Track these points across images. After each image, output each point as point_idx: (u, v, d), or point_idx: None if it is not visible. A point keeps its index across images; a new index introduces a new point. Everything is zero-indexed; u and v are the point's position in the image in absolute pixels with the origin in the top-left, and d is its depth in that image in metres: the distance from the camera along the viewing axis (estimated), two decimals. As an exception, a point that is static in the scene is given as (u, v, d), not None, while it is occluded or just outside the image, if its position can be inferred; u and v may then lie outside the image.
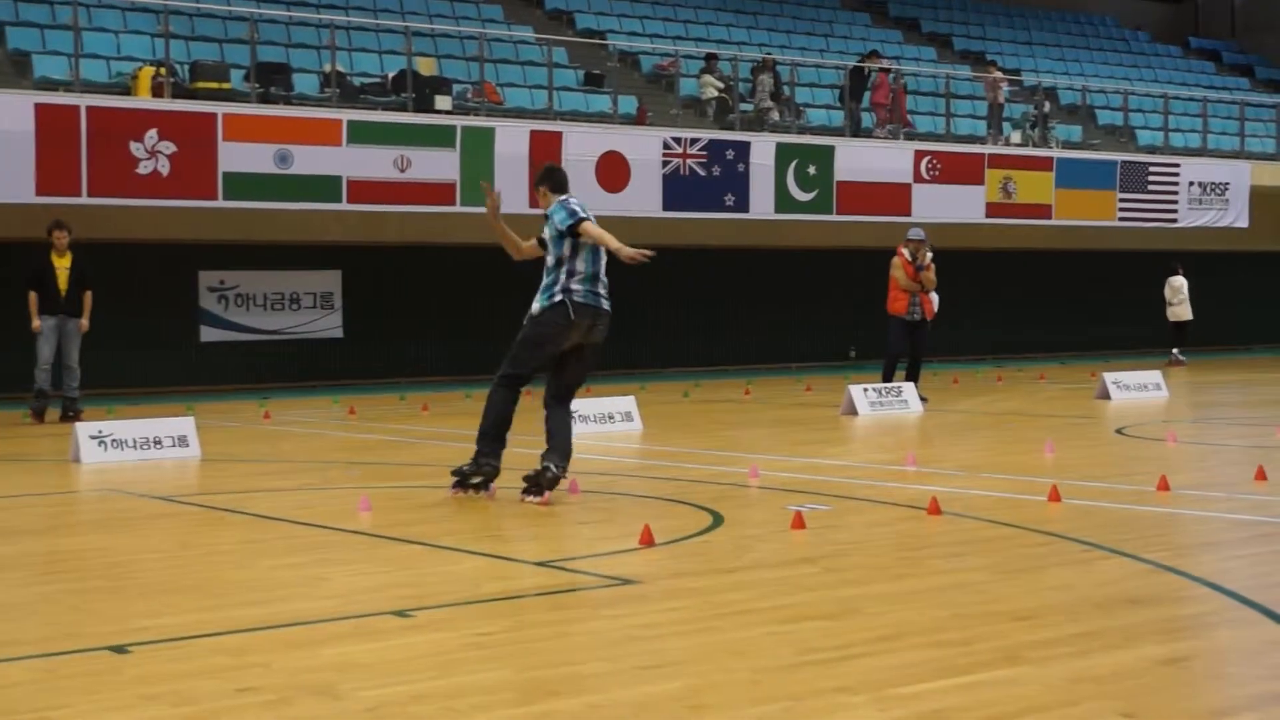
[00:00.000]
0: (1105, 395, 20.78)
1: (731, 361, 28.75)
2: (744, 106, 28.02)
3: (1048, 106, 32.48)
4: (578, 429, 16.27)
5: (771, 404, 21.05)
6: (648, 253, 10.96)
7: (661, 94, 28.86)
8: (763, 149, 26.55)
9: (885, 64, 30.29)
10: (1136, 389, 21.21)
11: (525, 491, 11.14)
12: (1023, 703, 5.54)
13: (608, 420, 16.82)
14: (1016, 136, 31.24)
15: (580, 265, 11.31)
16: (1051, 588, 7.70)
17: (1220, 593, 7.50)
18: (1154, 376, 21.72)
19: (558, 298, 11.20)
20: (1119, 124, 34.25)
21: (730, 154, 26.18)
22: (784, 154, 26.76)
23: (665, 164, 25.46)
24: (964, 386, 23.83)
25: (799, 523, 9.57)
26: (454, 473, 11.50)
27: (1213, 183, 32.28)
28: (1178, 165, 31.95)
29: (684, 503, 10.84)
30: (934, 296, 20.25)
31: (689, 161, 25.65)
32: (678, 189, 25.55)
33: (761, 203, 26.41)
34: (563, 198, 11.70)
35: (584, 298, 11.18)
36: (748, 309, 29.06)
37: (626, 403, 17.30)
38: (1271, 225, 35.17)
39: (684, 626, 6.86)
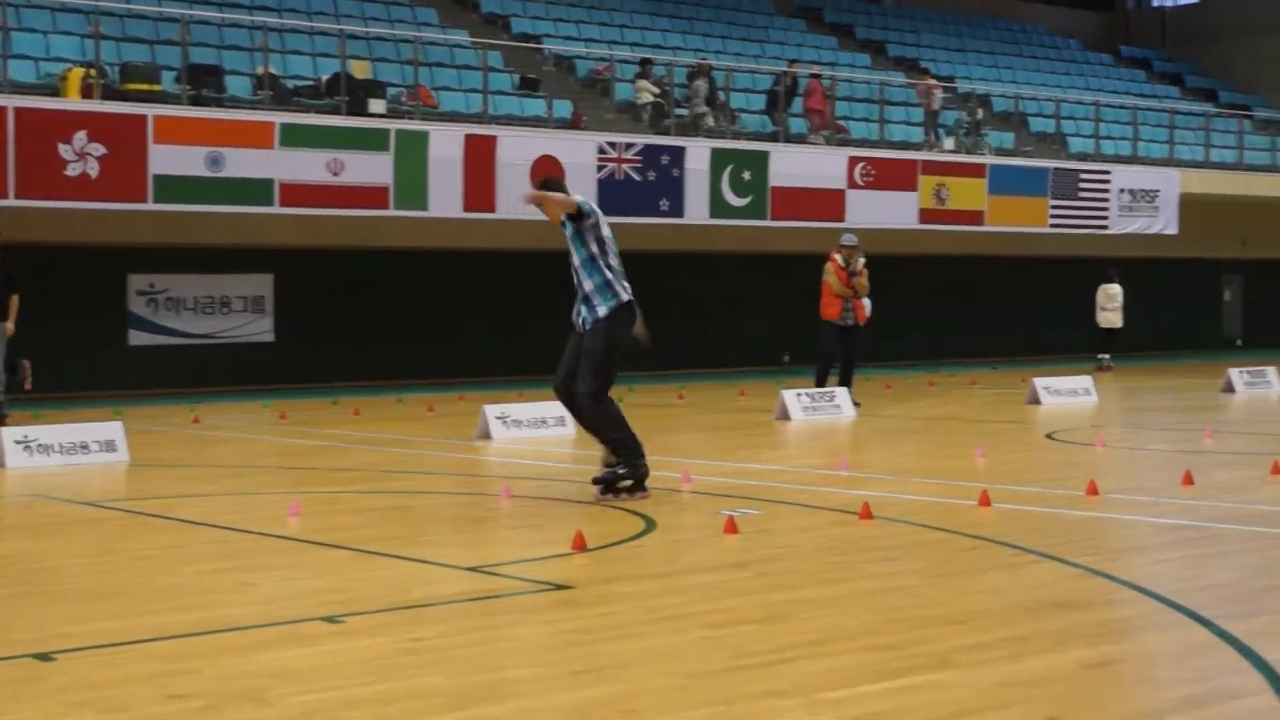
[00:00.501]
0: (1036, 400, 20.94)
1: (666, 366, 28.77)
2: (679, 112, 28.07)
3: (980, 113, 32.73)
4: (511, 433, 16.30)
5: (705, 409, 21.10)
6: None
7: (597, 99, 28.88)
8: (697, 154, 26.60)
9: (814, 69, 30.43)
10: (1067, 394, 21.39)
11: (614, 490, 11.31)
12: (953, 706, 5.58)
13: (541, 425, 16.79)
14: (950, 143, 31.44)
15: (614, 260, 11.33)
16: (982, 592, 7.75)
17: (1147, 596, 7.58)
18: (1084, 382, 21.91)
19: (625, 298, 11.26)
20: (1051, 131, 34.56)
21: (665, 159, 26.22)
22: (719, 159, 26.83)
23: (600, 169, 25.47)
24: (896, 392, 23.96)
25: (731, 528, 9.60)
26: (599, 481, 11.35)
27: (1143, 190, 32.61)
28: (1108, 172, 32.25)
29: (616, 508, 10.85)
30: (867, 302, 20.34)
31: (624, 166, 25.67)
32: (613, 193, 25.54)
33: (696, 208, 26.47)
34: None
35: (631, 294, 11.34)
36: (682, 314, 29.10)
37: (559, 407, 17.22)
38: (1200, 232, 35.57)
39: (616, 631, 6.87)
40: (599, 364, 11.20)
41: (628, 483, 11.36)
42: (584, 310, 11.31)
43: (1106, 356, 30.05)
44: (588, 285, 11.27)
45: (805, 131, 29.47)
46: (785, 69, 29.76)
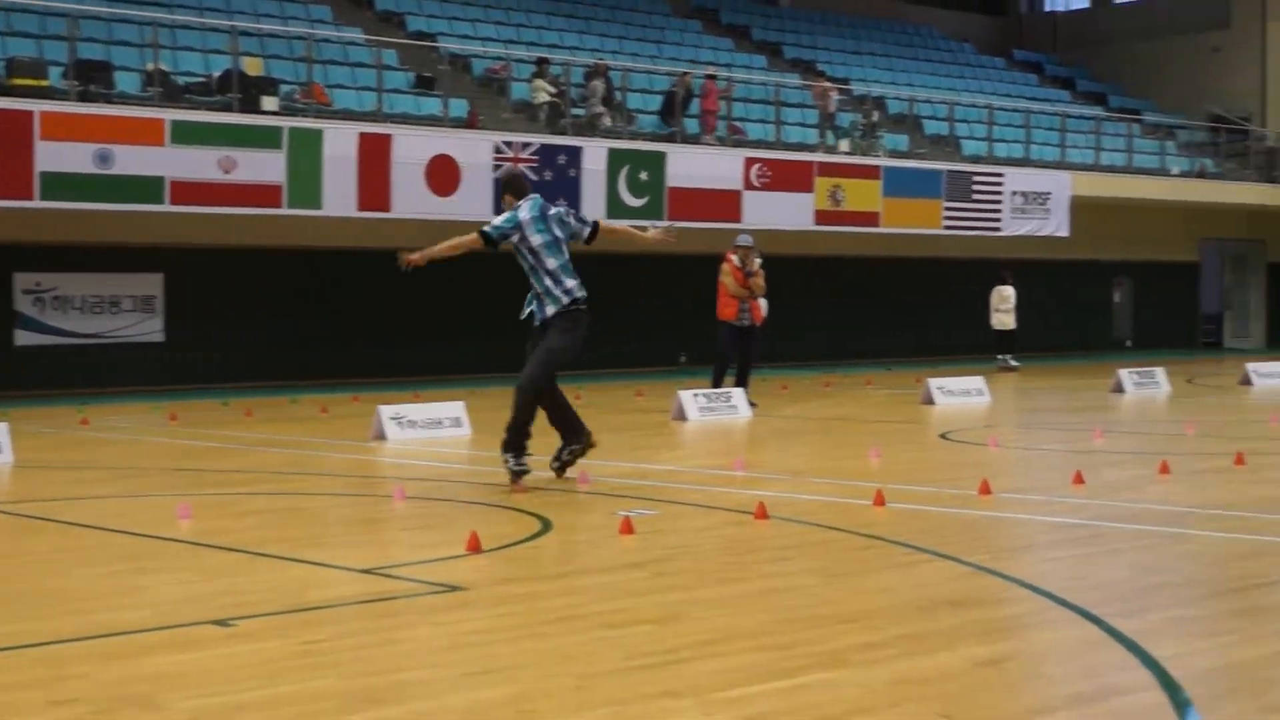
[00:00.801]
0: (930, 401, 21.14)
1: (563, 368, 28.74)
2: (576, 112, 28.07)
3: (875, 116, 33.00)
4: (406, 434, 16.21)
5: (602, 409, 21.10)
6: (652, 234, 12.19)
7: (493, 98, 28.81)
8: (594, 154, 26.62)
9: (710, 71, 30.54)
10: (960, 394, 21.61)
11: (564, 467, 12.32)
12: (845, 705, 5.62)
13: (436, 426, 16.72)
14: (845, 145, 31.67)
15: (551, 263, 11.83)
16: (875, 591, 7.82)
17: (1039, 594, 7.67)
18: (977, 382, 22.14)
19: (565, 301, 11.81)
20: (945, 134, 34.91)
21: (562, 159, 26.21)
22: (615, 159, 26.87)
23: (496, 168, 25.40)
24: (793, 392, 24.10)
25: (627, 528, 9.61)
26: (554, 467, 12.44)
27: (1035, 192, 33.03)
28: (1001, 175, 32.64)
29: (512, 509, 10.83)
30: (763, 303, 20.45)
31: (520, 166, 25.61)
32: (508, 193, 25.48)
33: (593, 208, 26.43)
34: (520, 207, 12.04)
35: (581, 291, 11.90)
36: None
37: (455, 408, 17.22)
38: (1091, 234, 36.09)
39: (511, 632, 6.86)
40: (550, 355, 11.93)
41: (557, 464, 12.35)
42: (536, 307, 12.02)
43: (1008, 357, 30.42)
44: (537, 289, 11.97)
45: (699, 133, 29.56)
46: (680, 76, 29.77)
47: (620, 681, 5.97)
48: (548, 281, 11.83)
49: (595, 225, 12.29)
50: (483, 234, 11.79)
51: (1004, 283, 30.96)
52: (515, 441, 12.03)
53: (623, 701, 5.68)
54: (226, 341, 25.70)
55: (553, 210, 12.08)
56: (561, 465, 12.46)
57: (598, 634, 6.80)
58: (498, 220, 11.93)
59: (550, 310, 11.86)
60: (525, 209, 11.92)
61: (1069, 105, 40.31)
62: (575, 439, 12.37)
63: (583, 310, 11.97)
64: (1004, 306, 30.80)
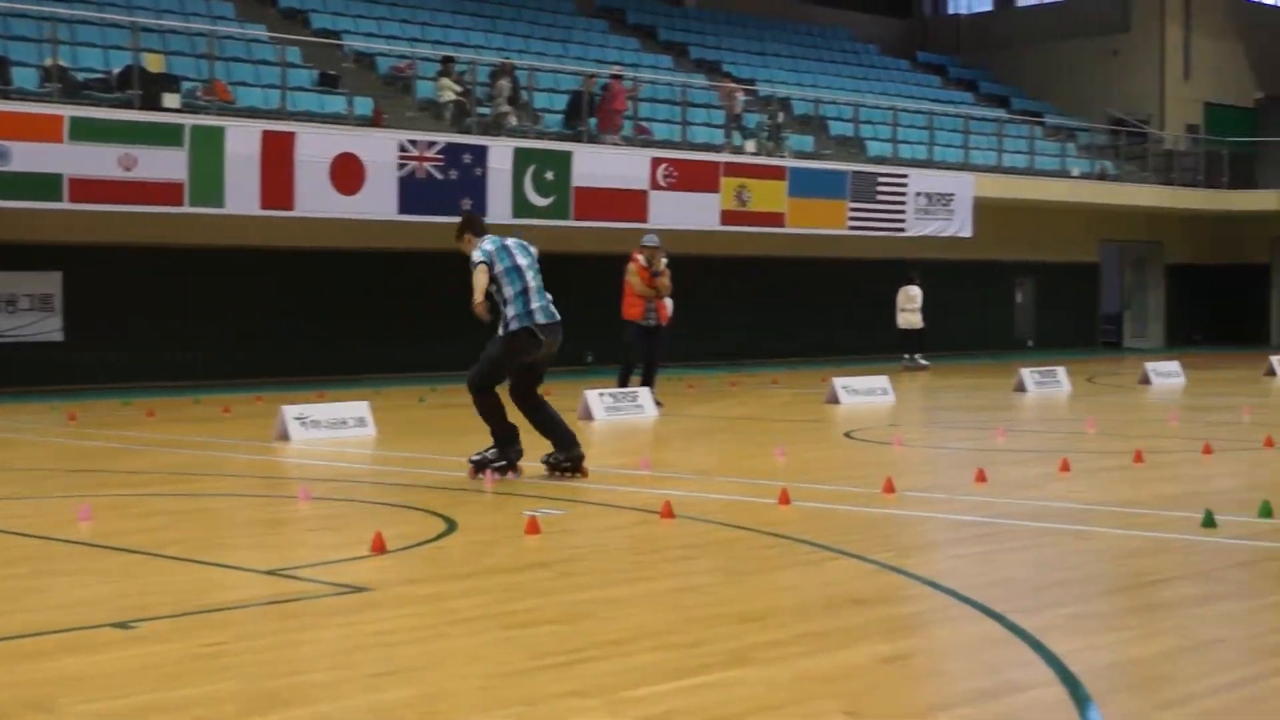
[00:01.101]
0: (835, 400, 21.27)
1: (468, 367, 28.66)
2: (482, 110, 28.00)
3: (781, 117, 33.16)
4: (309, 434, 16.11)
5: (508, 409, 21.04)
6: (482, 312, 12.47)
7: (398, 96, 28.68)
8: (500, 153, 26.55)
9: (616, 70, 30.57)
10: (865, 394, 21.76)
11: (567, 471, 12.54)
12: (750, 703, 5.66)
13: (340, 426, 16.62)
14: (751, 145, 31.80)
15: (508, 290, 12.45)
16: (780, 589, 7.86)
17: (941, 591, 7.75)
18: (882, 381, 22.30)
19: (513, 325, 12.39)
20: (850, 135, 35.12)
21: (468, 158, 26.13)
22: (522, 159, 26.81)
23: (402, 166, 25.30)
24: (699, 392, 24.17)
25: (533, 528, 9.61)
26: (473, 461, 12.68)
27: (938, 193, 33.32)
28: (905, 176, 32.90)
29: (417, 509, 10.79)
30: (669, 302, 20.49)
31: (426, 164, 25.52)
32: (414, 192, 25.41)
33: (499, 207, 26.38)
34: (482, 241, 12.73)
35: (544, 316, 12.46)
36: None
37: (359, 408, 17.12)
38: (993, 235, 36.46)
39: (416, 633, 6.84)
40: (490, 364, 12.59)
41: (501, 463, 12.55)
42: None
43: (917, 356, 30.70)
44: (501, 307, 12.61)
45: (608, 132, 29.58)
46: (586, 77, 29.73)
47: (526, 681, 5.97)
48: (501, 306, 12.52)
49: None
50: (485, 264, 12.47)
51: (910, 282, 31.21)
52: (498, 439, 12.63)
53: (529, 701, 5.68)
54: (127, 341, 25.40)
55: (509, 240, 12.82)
56: (550, 466, 12.74)
57: (504, 634, 6.80)
58: (477, 255, 12.55)
59: (500, 331, 12.56)
60: (488, 241, 12.67)
61: (972, 107, 40.71)
62: (562, 449, 12.68)
63: (528, 332, 12.43)
64: (910, 306, 31.05)
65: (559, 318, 12.67)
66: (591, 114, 29.10)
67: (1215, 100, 45.43)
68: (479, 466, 12.63)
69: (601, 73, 30.46)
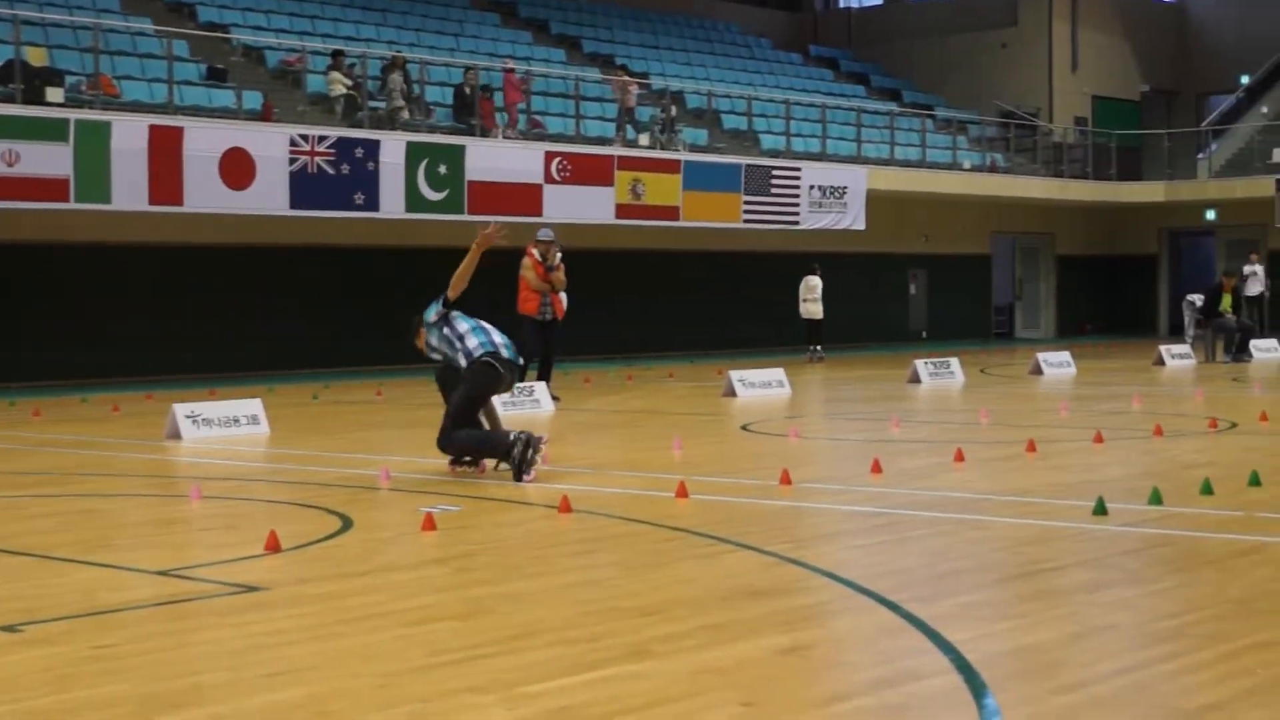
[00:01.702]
0: (731, 393, 21.35)
1: (362, 363, 28.51)
2: (374, 104, 27.83)
3: (675, 110, 33.24)
4: (201, 432, 15.93)
5: (403, 404, 20.97)
6: (498, 227, 12.86)
7: (288, 90, 28.43)
8: (393, 147, 26.41)
9: (509, 64, 30.50)
10: (761, 386, 21.86)
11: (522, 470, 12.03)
12: (648, 696, 5.66)
13: (233, 424, 16.45)
14: (645, 139, 31.84)
15: (467, 334, 12.68)
16: (678, 582, 7.88)
17: (838, 582, 7.80)
18: (778, 374, 22.40)
19: (466, 361, 12.51)
20: (743, 128, 35.28)
21: (360, 152, 25.96)
22: (414, 153, 26.69)
23: (292, 161, 25.09)
24: (595, 386, 24.18)
25: (430, 524, 9.56)
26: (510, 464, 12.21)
27: (831, 186, 33.56)
28: (799, 169, 33.10)
29: (312, 506, 10.71)
30: (564, 297, 20.46)
31: (317, 159, 25.33)
32: (305, 187, 25.21)
33: (392, 202, 26.27)
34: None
35: (508, 353, 12.62)
36: (377, 309, 28.83)
37: (252, 405, 16.95)
38: (886, 228, 36.78)
39: (310, 633, 6.78)
40: (455, 411, 12.46)
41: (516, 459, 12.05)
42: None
43: (819, 348, 30.93)
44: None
45: (502, 126, 29.49)
46: (466, 70, 29.57)
47: (423, 679, 5.94)
48: (457, 344, 12.62)
49: (445, 298, 12.86)
50: (425, 322, 12.85)
51: (812, 273, 31.43)
52: (496, 453, 12.28)
53: (425, 699, 5.65)
54: (12, 339, 24.99)
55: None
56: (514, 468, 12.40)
57: (399, 632, 6.76)
58: (430, 314, 12.85)
59: (461, 362, 12.58)
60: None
61: (864, 101, 40.99)
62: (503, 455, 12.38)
63: (485, 362, 12.48)
64: (810, 296, 31.28)
65: (521, 362, 12.96)
66: (478, 109, 28.97)
67: (1102, 93, 46.11)
68: (517, 470, 11.98)
69: (491, 66, 30.37)
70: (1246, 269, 36.06)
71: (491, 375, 12.51)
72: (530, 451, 11.98)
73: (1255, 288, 35.87)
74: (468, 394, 12.49)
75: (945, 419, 18.55)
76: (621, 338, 32.89)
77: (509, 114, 29.65)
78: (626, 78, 32.77)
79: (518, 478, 11.91)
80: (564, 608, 7.22)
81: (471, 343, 12.57)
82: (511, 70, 30.15)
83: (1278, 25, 45.78)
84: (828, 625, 7.08)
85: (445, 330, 12.72)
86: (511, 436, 12.08)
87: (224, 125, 25.05)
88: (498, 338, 12.69)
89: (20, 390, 23.53)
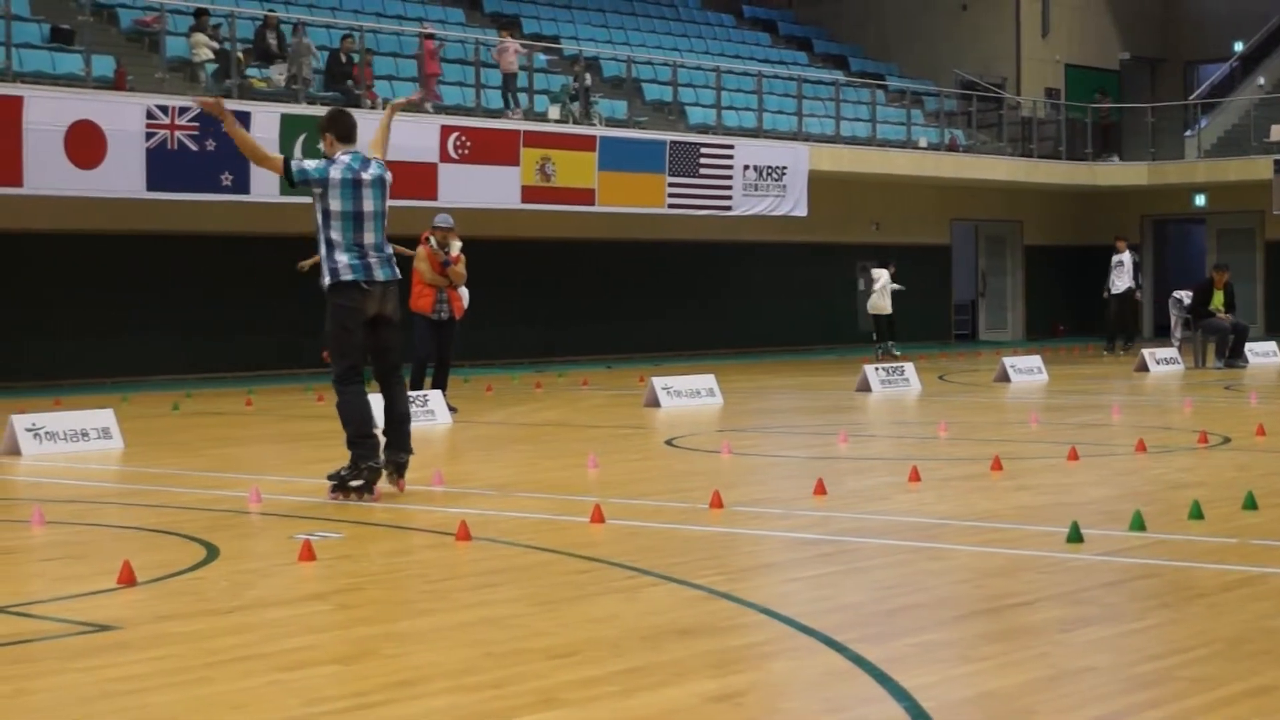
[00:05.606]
0: (655, 403, 21.38)
1: (230, 368, 28.34)
2: (250, 72, 27.66)
3: (589, 79, 33.20)
4: (44, 447, 15.80)
5: (277, 415, 20.88)
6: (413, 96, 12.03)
7: (144, 55, 28.22)
8: (266, 121, 26.23)
9: (429, 30, 30.38)
10: (689, 395, 21.89)
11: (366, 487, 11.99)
12: (561, 750, 5.68)
13: (81, 438, 16.33)
14: (555, 112, 31.77)
15: (336, 234, 12.02)
16: (593, 620, 7.89)
17: (777, 620, 7.83)
18: (708, 381, 22.44)
19: (330, 280, 11.98)
20: (668, 100, 35.32)
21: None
22: (290, 126, 26.53)
23: (150, 136, 24.91)
24: (498, 395, 24.16)
25: (308, 554, 9.53)
26: (330, 478, 12.17)
27: (769, 167, 33.67)
28: (731, 147, 33.19)
29: (172, 533, 10.65)
30: (464, 292, 20.41)
31: (178, 134, 25.17)
32: (165, 166, 25.04)
33: (264, 184, 26.11)
34: (340, 155, 12.25)
35: (360, 274, 11.91)
36: (247, 304, 28.67)
37: (103, 416, 16.83)
38: (831, 214, 36.94)
39: (172, 678, 6.75)
40: (331, 344, 12.16)
41: (358, 482, 12.06)
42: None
43: (891, 343, 31.49)
44: (320, 251, 12.17)
45: (425, 100, 29.26)
46: (344, 37, 29.44)
47: (301, 732, 5.92)
48: (324, 249, 12.10)
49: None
50: (286, 165, 12.21)
51: (883, 266, 32.28)
52: (352, 443, 12.10)
53: (304, 754, 5.64)
54: None
55: (369, 174, 12.24)
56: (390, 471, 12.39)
57: (273, 677, 6.74)
58: (309, 164, 12.19)
59: (325, 280, 12.09)
60: (338, 168, 12.13)
61: (805, 69, 41.12)
62: (390, 452, 12.28)
63: (353, 285, 11.96)
64: (878, 288, 32.14)
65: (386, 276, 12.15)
66: (351, 76, 28.79)
67: (1076, 62, 46.47)
68: (337, 485, 12.15)
69: (379, 28, 30.24)
70: (1115, 259, 34.41)
71: (355, 303, 12.07)
72: (361, 483, 12.03)
73: (1122, 282, 34.34)
74: (330, 331, 12.23)
75: (899, 433, 18.66)
76: (529, 340, 32.85)
77: (426, 88, 29.33)
78: (508, 38, 31.93)
79: (332, 491, 12.10)
80: (463, 649, 7.21)
81: (342, 259, 12.02)
82: (430, 36, 30.00)
83: (1274, -14, 46.36)
84: (765, 668, 7.10)
85: (322, 213, 12.29)
86: (372, 456, 12.05)
87: (70, 95, 24.83)
88: (372, 254, 12.13)
89: None
